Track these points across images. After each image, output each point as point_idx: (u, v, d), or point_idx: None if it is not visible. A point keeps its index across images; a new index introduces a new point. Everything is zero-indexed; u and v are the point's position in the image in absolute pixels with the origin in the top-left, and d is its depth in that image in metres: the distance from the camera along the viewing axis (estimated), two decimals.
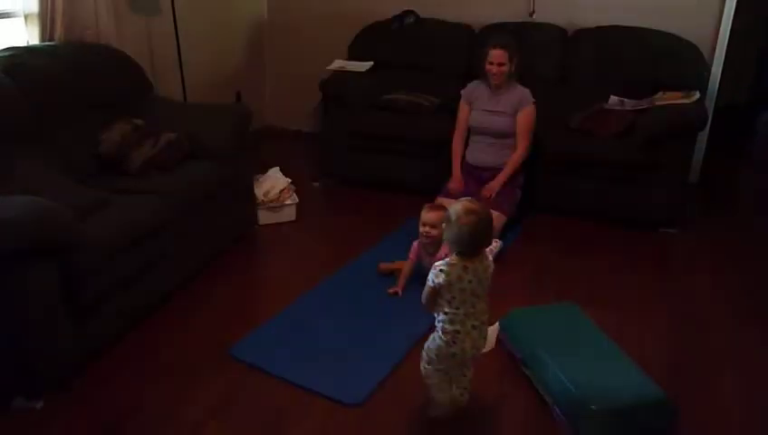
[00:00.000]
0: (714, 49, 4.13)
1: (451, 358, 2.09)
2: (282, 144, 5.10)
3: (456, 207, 2.03)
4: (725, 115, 5.67)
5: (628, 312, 2.96)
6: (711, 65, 4.15)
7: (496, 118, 3.55)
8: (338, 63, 4.40)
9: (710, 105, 4.21)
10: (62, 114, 3.04)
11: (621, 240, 3.64)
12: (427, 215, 2.92)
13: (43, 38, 3.31)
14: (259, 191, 3.70)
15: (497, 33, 3.53)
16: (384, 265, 3.16)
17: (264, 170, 3.82)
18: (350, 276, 3.14)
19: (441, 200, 3.63)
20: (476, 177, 3.63)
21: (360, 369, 2.48)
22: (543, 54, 4.19)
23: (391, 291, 2.99)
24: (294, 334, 2.68)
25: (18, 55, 2.94)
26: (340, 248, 3.44)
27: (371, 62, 4.39)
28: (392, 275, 3.11)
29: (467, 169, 3.68)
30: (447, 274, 1.98)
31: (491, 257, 3.17)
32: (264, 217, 3.67)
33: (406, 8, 4.54)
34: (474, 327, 2.05)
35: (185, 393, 2.39)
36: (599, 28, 4.18)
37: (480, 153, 3.64)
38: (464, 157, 3.70)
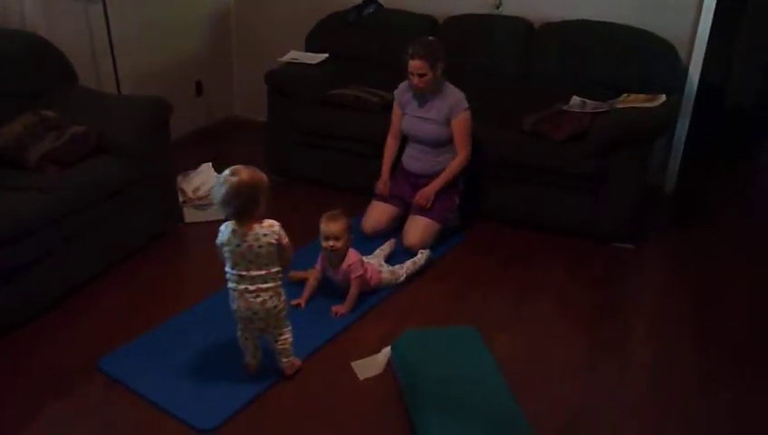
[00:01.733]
0: (691, 48, 3.78)
1: (234, 314, 2.25)
2: (244, 135, 4.91)
3: (227, 169, 2.13)
4: (732, 118, 5.31)
5: (545, 339, 2.70)
6: (689, 66, 3.80)
7: (426, 126, 3.29)
8: (292, 55, 4.20)
9: (687, 109, 3.87)
10: None
11: (569, 255, 3.36)
12: (329, 227, 2.71)
13: None
14: (188, 187, 3.55)
15: (417, 40, 3.22)
16: (294, 274, 2.95)
17: (197, 166, 3.66)
18: None
19: (375, 204, 3.42)
20: (412, 183, 3.39)
21: (224, 392, 2.30)
22: (506, 50, 3.90)
23: (293, 303, 2.79)
24: (170, 348, 2.51)
25: None
26: None
27: (326, 55, 4.17)
28: (303, 284, 2.91)
29: (403, 173, 3.44)
30: (221, 233, 2.18)
31: (403, 268, 3.00)
32: (191, 216, 3.51)
33: None
34: (248, 291, 2.17)
35: (41, 406, 2.27)
36: (565, 22, 3.87)
37: (414, 160, 3.39)
38: (401, 159, 3.47)
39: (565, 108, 3.61)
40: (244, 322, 2.26)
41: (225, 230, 2.17)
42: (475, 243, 3.44)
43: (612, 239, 3.42)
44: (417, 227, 3.24)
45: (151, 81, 4.29)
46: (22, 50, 3.21)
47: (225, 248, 2.17)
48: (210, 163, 3.67)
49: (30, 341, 2.56)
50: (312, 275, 2.86)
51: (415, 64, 3.13)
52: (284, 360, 2.34)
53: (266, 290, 2.19)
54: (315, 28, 4.34)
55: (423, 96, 3.28)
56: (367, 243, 3.23)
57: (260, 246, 2.14)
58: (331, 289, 2.87)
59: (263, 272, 2.17)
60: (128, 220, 3.05)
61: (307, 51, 4.30)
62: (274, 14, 4.79)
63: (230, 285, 2.22)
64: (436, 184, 3.28)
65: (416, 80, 3.16)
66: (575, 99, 3.67)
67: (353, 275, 2.76)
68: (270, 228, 2.16)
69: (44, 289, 2.67)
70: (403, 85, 3.38)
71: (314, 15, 4.39)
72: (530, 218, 3.54)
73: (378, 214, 3.37)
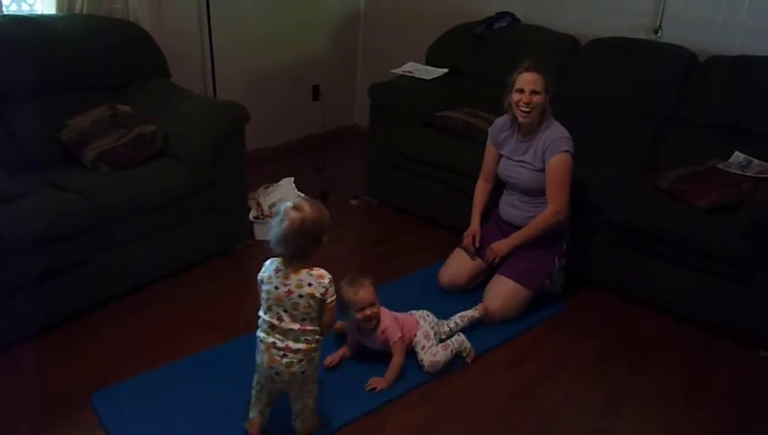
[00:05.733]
0: None
1: (256, 367, 1.92)
2: (358, 147, 4.55)
3: (288, 202, 1.82)
4: None
5: None
6: None
7: (520, 170, 2.70)
8: (407, 67, 3.78)
9: None
10: (32, 91, 2.79)
11: (694, 354, 2.61)
12: (359, 295, 2.26)
13: (60, 7, 3.14)
14: (265, 201, 3.26)
15: (530, 57, 2.64)
16: (342, 325, 2.53)
17: (278, 179, 3.36)
18: None
19: (458, 253, 2.90)
20: (504, 233, 2.81)
21: None
22: (657, 84, 3.17)
23: (327, 362, 2.37)
24: (168, 394, 2.19)
25: None
26: None
27: (444, 70, 3.70)
28: (341, 339, 2.49)
29: (496, 220, 2.88)
30: (264, 267, 1.87)
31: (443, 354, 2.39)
32: (262, 232, 3.20)
33: (503, 10, 3.75)
34: (276, 347, 1.83)
35: None
36: (741, 58, 3.06)
37: (509, 207, 2.80)
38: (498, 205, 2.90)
39: (721, 166, 2.84)
40: (266, 378, 1.92)
41: (269, 266, 1.86)
42: (574, 318, 2.79)
43: (760, 346, 2.62)
44: (501, 291, 2.67)
45: (267, 81, 4.12)
46: (114, 40, 3.08)
47: (264, 287, 1.85)
48: (291, 178, 3.35)
49: (35, 356, 2.36)
50: (344, 349, 2.43)
51: (529, 78, 2.56)
52: (298, 419, 1.99)
53: (295, 352, 1.83)
54: (439, 39, 3.87)
55: (521, 133, 2.70)
56: (441, 300, 2.74)
57: (300, 296, 1.80)
58: (369, 353, 2.41)
59: (295, 327, 1.82)
60: (181, 234, 2.79)
61: (428, 63, 3.85)
62: (404, 20, 4.39)
63: (258, 333, 1.89)
64: (514, 239, 2.70)
65: (525, 98, 2.57)
66: (737, 155, 2.88)
67: (392, 341, 2.29)
68: (319, 279, 1.81)
69: (67, 300, 2.47)
70: (499, 121, 2.81)
71: (446, 24, 3.92)
72: (651, 297, 2.83)
73: (459, 265, 2.85)
